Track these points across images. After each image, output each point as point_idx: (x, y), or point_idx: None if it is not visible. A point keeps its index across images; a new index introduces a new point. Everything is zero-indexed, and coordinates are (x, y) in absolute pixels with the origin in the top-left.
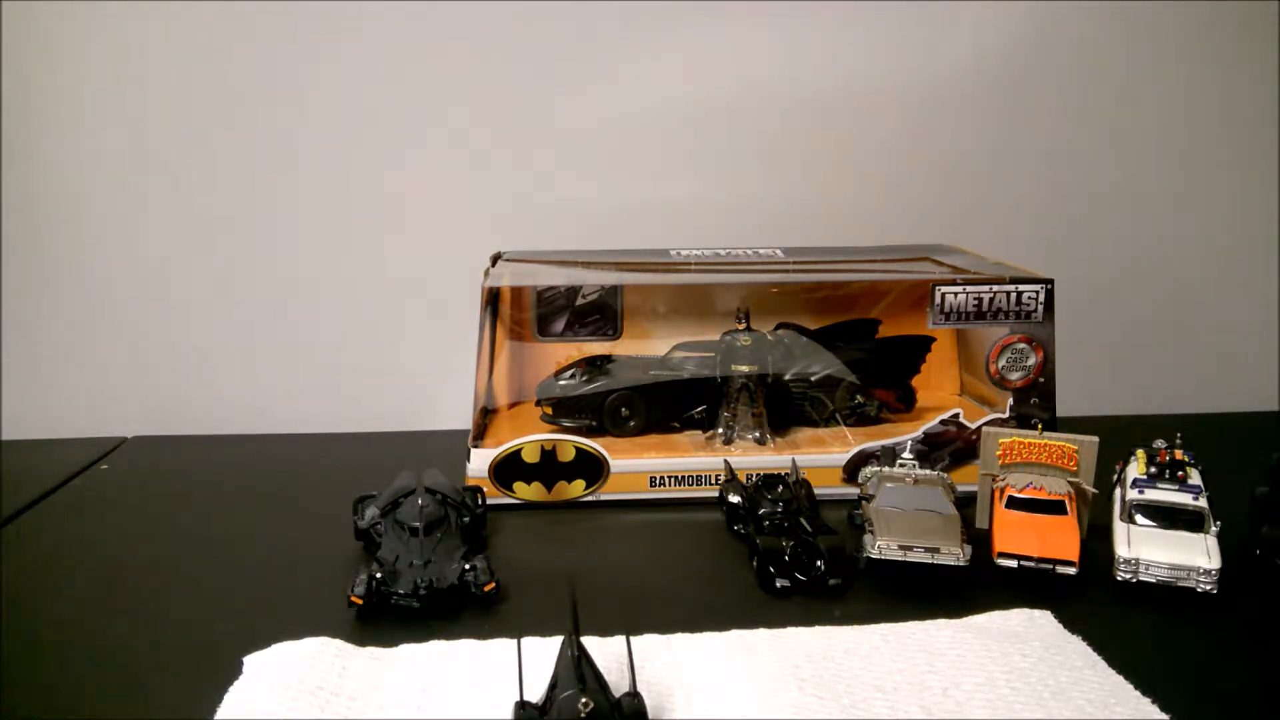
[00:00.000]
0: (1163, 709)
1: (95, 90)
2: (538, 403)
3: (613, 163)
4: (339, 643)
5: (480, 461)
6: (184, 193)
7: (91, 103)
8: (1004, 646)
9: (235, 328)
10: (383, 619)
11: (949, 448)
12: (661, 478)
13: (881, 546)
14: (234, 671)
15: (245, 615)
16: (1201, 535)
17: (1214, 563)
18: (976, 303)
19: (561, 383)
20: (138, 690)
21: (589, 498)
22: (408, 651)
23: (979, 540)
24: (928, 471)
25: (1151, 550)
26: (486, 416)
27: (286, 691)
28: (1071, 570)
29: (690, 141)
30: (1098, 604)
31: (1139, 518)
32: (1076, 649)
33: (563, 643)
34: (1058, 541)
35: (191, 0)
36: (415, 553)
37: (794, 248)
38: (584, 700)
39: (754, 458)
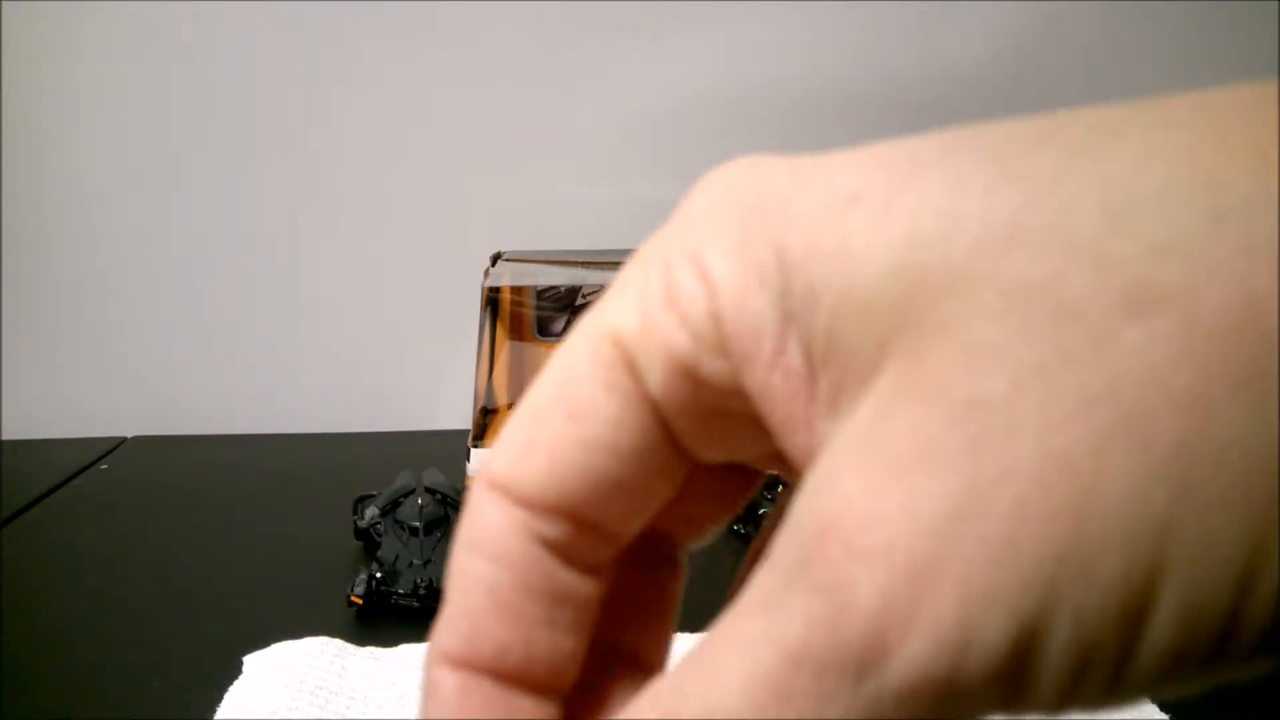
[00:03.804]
0: (1162, 709)
1: (96, 89)
2: None
3: (613, 163)
4: (339, 642)
5: (480, 461)
6: (184, 192)
7: (92, 102)
8: None
9: (235, 328)
10: (383, 619)
11: None
12: None
13: None
14: (234, 671)
15: (245, 615)
16: None
17: None
18: None
19: None
20: (138, 690)
21: None
22: (408, 651)
23: None
24: None
25: None
26: (486, 416)
27: (286, 691)
28: None
29: (691, 141)
30: None
31: None
32: None
33: None
34: None
35: (189, 1)
36: (415, 553)
37: None
38: None
39: None
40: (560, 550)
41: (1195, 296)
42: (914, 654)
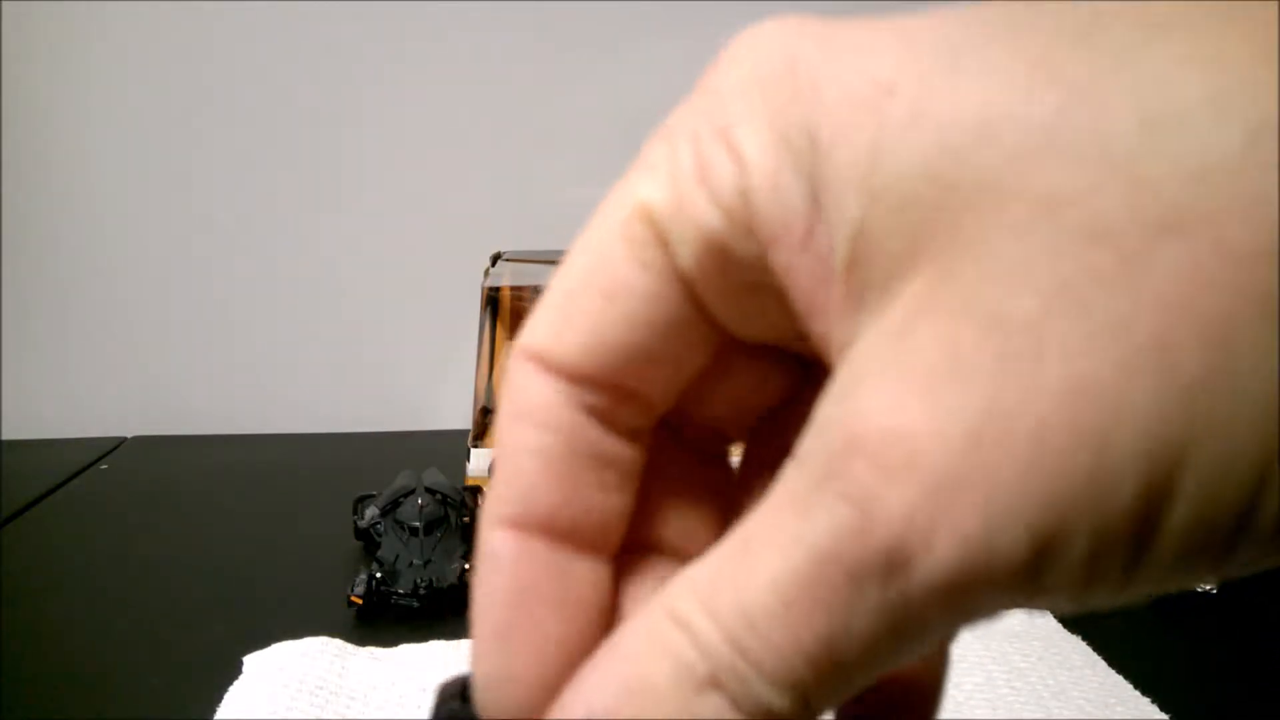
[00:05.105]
0: (1162, 709)
1: (95, 89)
2: None
3: (613, 163)
4: (339, 643)
5: (480, 461)
6: (184, 192)
7: (93, 103)
8: (1003, 646)
9: (235, 327)
10: (383, 619)
11: None
12: None
13: None
14: (234, 671)
15: (245, 615)
16: None
17: None
18: None
19: None
20: (138, 690)
21: None
22: (408, 651)
23: None
24: None
25: None
26: (486, 416)
27: (286, 691)
28: None
29: None
30: None
31: None
32: (1076, 649)
33: None
34: None
35: (189, 0)
36: (415, 553)
37: None
38: None
39: None
40: (601, 415)
41: (1226, 221)
42: (937, 562)
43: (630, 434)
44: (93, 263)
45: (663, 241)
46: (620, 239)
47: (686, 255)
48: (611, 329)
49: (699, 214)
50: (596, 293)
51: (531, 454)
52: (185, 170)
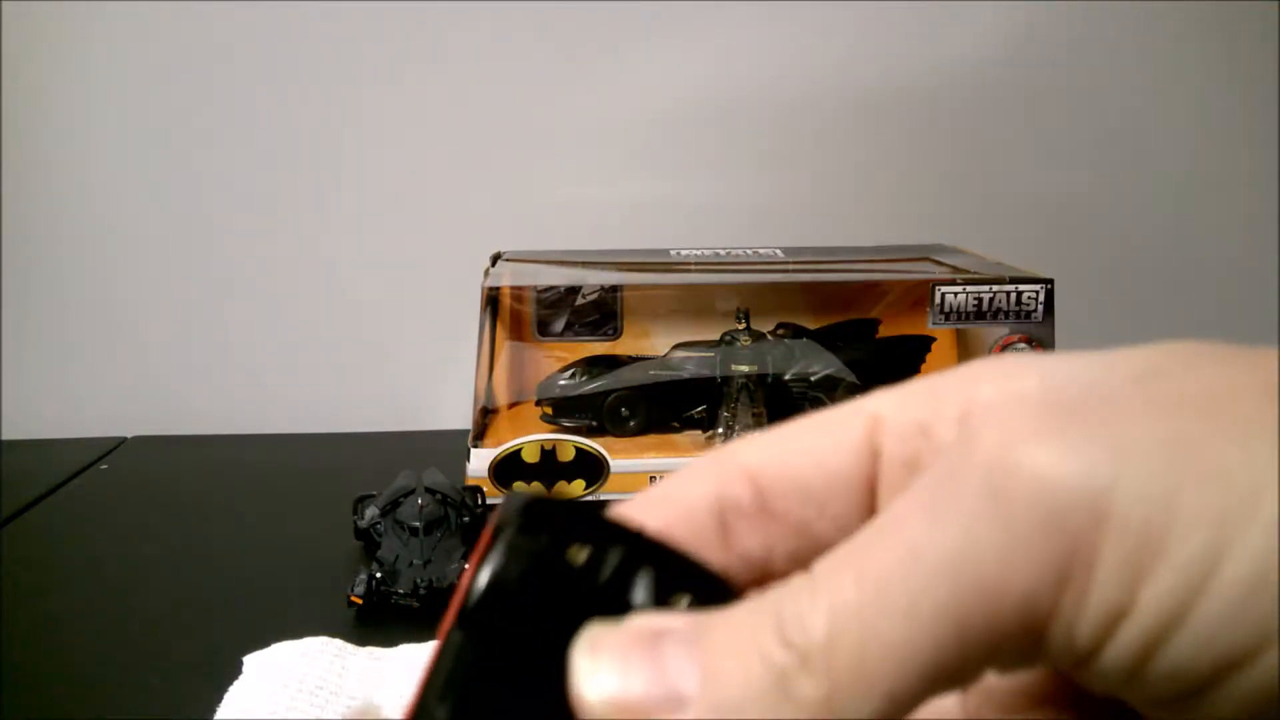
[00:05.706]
0: None
1: (97, 89)
2: (538, 402)
3: (613, 163)
4: (339, 642)
5: (480, 461)
6: (183, 192)
7: (93, 103)
8: None
9: (235, 327)
10: (383, 619)
11: None
12: (661, 477)
13: None
14: (234, 671)
15: (245, 615)
16: None
17: None
18: (976, 303)
19: (561, 383)
20: (138, 690)
21: (589, 497)
22: (408, 651)
23: None
24: None
25: None
26: (486, 416)
27: (286, 691)
28: None
29: (690, 141)
30: None
31: None
32: None
33: None
34: None
35: (189, 0)
36: (415, 553)
37: (794, 247)
38: None
39: None
40: (729, 521)
41: None
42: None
43: (741, 558)
44: (93, 263)
45: (874, 429)
46: (844, 421)
47: (889, 441)
48: (794, 450)
49: (916, 409)
50: (807, 427)
51: (677, 491)
52: (185, 171)
